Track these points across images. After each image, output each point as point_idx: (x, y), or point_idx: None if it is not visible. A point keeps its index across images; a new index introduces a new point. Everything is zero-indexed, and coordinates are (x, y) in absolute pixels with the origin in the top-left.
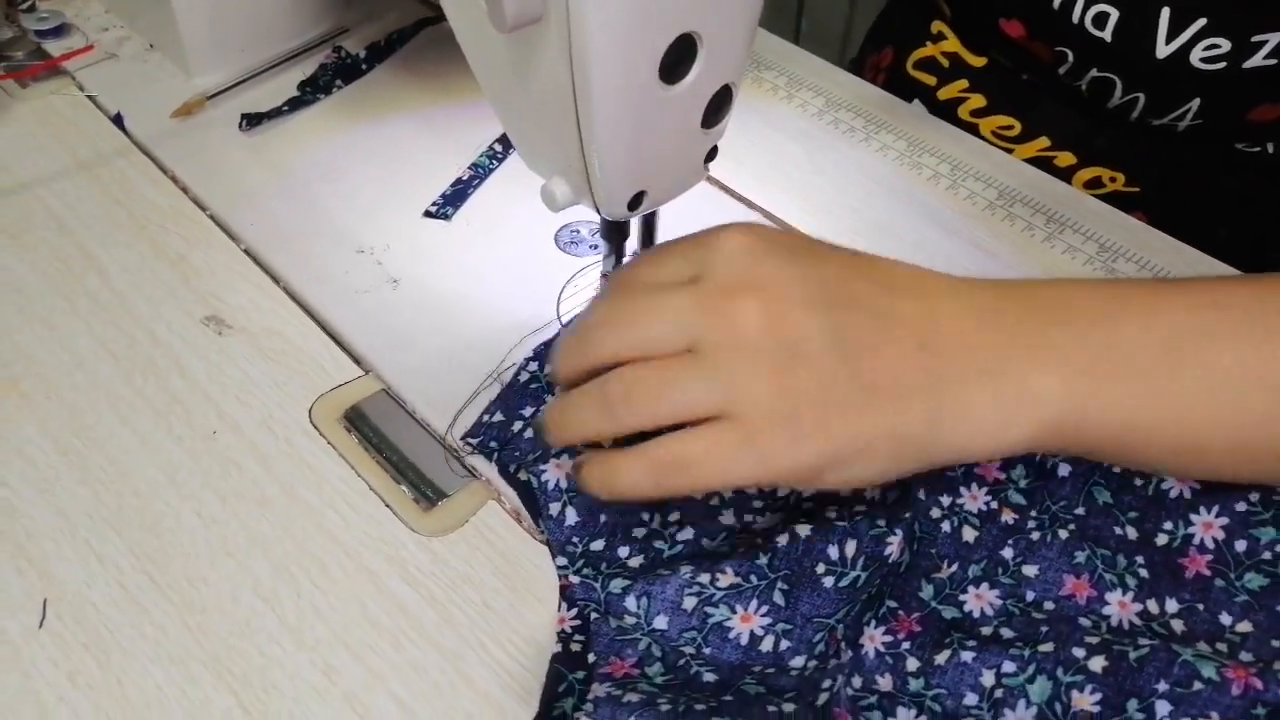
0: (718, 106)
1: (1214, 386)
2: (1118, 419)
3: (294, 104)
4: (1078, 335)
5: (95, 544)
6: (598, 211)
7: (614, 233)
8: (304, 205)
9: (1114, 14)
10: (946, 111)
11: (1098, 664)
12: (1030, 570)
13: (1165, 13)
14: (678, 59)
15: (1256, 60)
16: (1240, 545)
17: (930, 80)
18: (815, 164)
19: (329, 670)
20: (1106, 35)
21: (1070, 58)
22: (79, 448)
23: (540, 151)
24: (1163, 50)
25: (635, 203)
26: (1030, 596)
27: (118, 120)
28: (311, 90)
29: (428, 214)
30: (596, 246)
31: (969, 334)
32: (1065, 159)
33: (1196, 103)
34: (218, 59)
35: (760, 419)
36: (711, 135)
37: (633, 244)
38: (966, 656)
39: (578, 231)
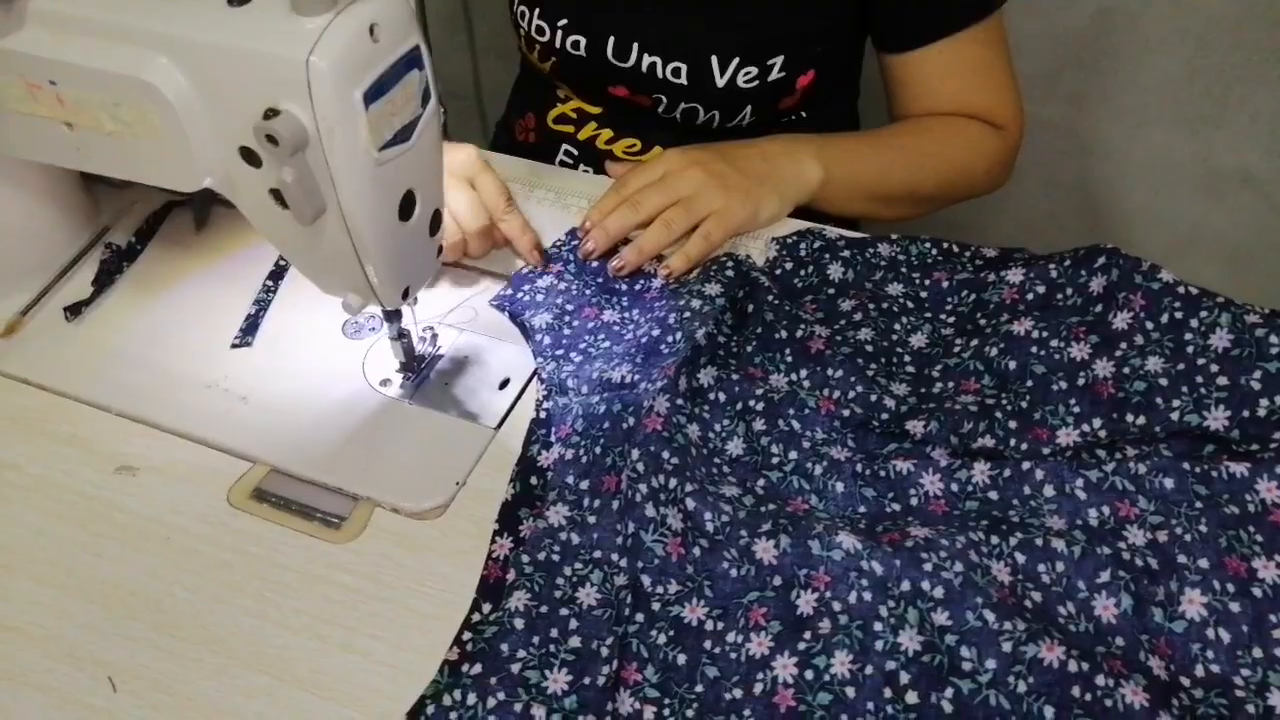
0: (436, 224)
1: (890, 159)
2: (842, 176)
3: (97, 288)
4: (827, 145)
5: (126, 633)
6: (383, 306)
7: (394, 314)
8: (147, 366)
9: (684, 67)
10: (589, 146)
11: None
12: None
13: (714, 59)
14: (407, 205)
15: (774, 75)
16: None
17: (570, 129)
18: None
19: (320, 637)
20: (684, 81)
21: (664, 100)
22: (72, 584)
23: (333, 282)
24: (720, 83)
25: (405, 294)
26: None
27: None
28: (106, 277)
29: (234, 345)
30: (375, 328)
31: (779, 153)
32: None
33: (749, 108)
34: (13, 284)
35: (718, 203)
36: (436, 239)
37: (407, 317)
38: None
39: (357, 321)
